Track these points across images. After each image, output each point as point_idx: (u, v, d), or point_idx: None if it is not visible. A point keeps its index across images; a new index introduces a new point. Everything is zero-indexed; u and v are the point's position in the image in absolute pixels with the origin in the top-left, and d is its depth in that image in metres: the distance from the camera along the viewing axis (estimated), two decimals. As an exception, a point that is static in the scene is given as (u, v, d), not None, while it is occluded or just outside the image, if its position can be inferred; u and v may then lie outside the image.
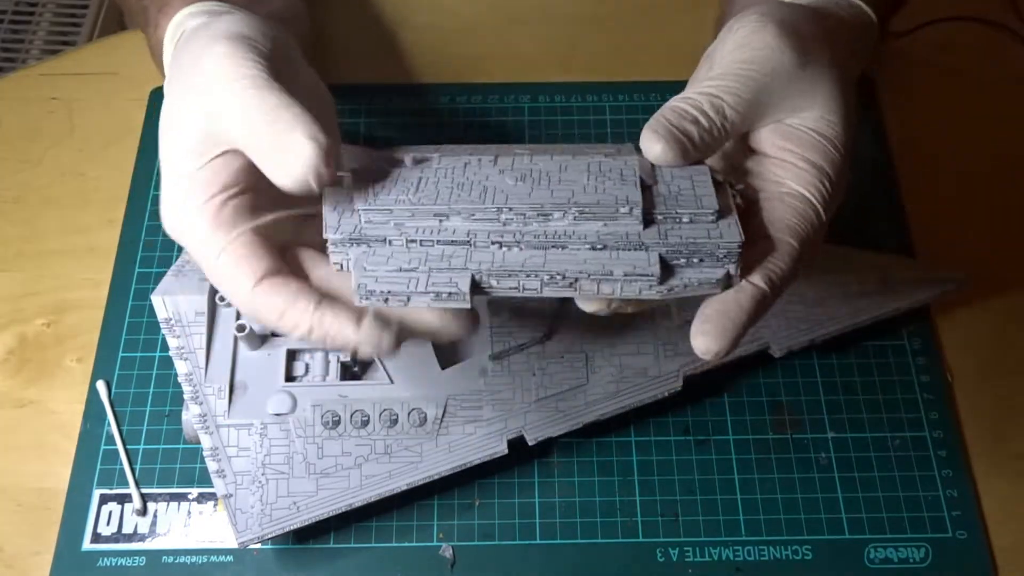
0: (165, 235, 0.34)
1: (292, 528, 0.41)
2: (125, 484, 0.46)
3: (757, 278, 0.32)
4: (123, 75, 0.59)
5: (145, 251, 0.52)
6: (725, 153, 0.37)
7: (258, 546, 0.44)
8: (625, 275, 0.30)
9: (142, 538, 0.45)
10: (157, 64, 0.41)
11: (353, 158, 0.34)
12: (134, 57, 0.58)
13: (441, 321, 0.32)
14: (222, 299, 0.43)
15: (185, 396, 0.42)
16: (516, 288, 0.31)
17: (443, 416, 0.42)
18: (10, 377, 0.49)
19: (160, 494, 0.46)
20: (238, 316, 0.43)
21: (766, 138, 0.35)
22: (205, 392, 0.42)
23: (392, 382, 0.43)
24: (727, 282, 0.31)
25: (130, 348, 0.49)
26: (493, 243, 0.31)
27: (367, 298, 0.30)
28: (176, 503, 0.45)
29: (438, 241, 0.31)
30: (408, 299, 0.30)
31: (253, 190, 0.34)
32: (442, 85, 0.58)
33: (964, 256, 0.51)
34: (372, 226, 0.31)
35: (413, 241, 0.31)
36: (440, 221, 0.31)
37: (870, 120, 0.57)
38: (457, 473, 0.42)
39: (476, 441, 0.42)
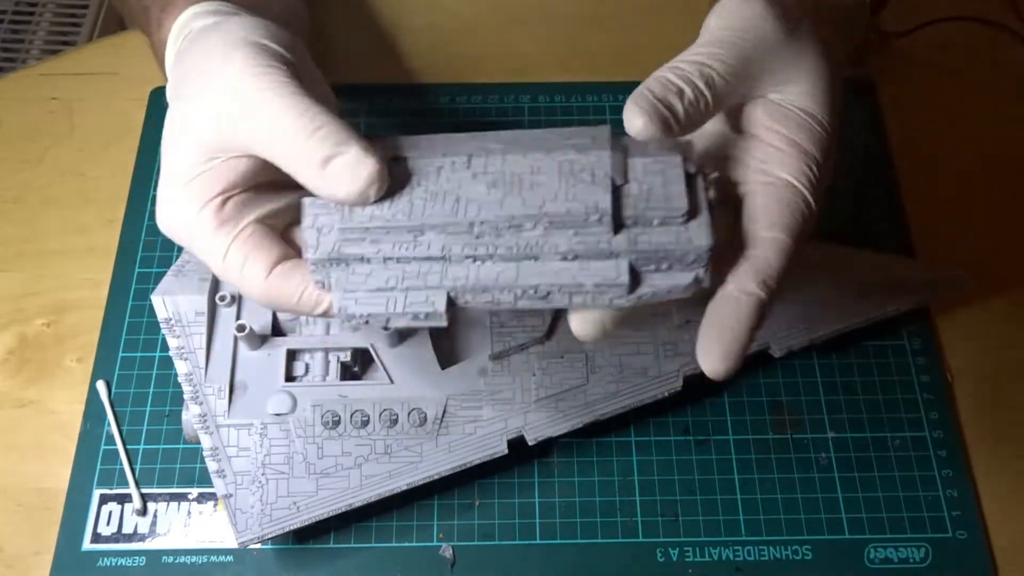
0: (165, 235, 0.34)
1: (292, 528, 0.41)
2: (125, 484, 0.46)
3: (752, 284, 0.32)
4: (123, 75, 0.59)
5: (145, 251, 0.52)
6: (706, 134, 0.36)
7: (258, 546, 0.44)
8: (595, 286, 0.31)
9: (142, 538, 0.45)
10: (159, 64, 0.41)
11: None
12: (134, 57, 0.58)
13: None
14: (222, 299, 0.44)
15: (185, 396, 0.42)
16: (491, 302, 0.31)
17: (443, 416, 0.42)
18: (10, 377, 0.49)
19: (160, 494, 0.46)
20: (238, 316, 0.43)
21: (749, 116, 0.35)
22: (205, 392, 0.42)
23: (392, 382, 0.43)
24: (697, 286, 0.31)
25: (130, 348, 0.49)
26: (467, 257, 0.31)
27: (348, 320, 0.31)
28: (176, 503, 0.45)
29: (414, 257, 0.32)
30: (388, 320, 0.31)
31: (252, 188, 0.34)
32: (442, 85, 0.58)
33: (964, 256, 0.51)
34: (349, 244, 0.32)
35: (390, 258, 0.32)
36: (415, 236, 0.32)
37: (870, 120, 0.57)
38: (457, 473, 0.42)
39: (476, 441, 0.42)
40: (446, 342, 0.44)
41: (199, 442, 0.41)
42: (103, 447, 0.47)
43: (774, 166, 0.33)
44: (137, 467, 0.46)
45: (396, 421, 0.42)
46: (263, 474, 0.41)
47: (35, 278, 0.52)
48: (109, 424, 0.47)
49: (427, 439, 0.42)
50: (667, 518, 0.45)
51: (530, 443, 0.42)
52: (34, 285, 0.52)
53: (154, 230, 0.53)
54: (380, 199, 0.32)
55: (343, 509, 0.41)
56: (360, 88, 0.58)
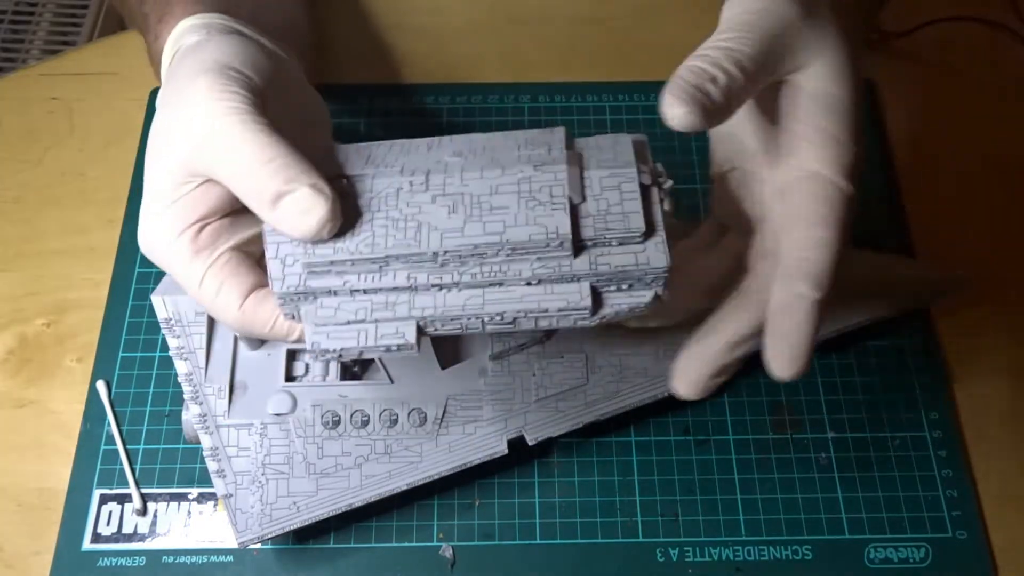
0: (145, 256, 0.35)
1: (292, 528, 0.41)
2: (125, 484, 0.46)
3: (804, 287, 0.32)
4: (123, 75, 0.59)
5: (145, 251, 0.52)
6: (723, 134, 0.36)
7: (258, 546, 0.44)
8: (559, 311, 0.32)
9: (142, 538, 0.45)
10: (155, 72, 0.41)
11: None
12: (134, 57, 0.58)
13: None
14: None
15: (185, 396, 0.42)
16: (460, 328, 0.32)
17: (443, 416, 0.42)
18: (10, 377, 0.49)
19: (160, 494, 0.46)
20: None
21: (773, 103, 0.34)
22: (205, 392, 0.42)
23: (392, 382, 0.43)
24: (657, 302, 0.32)
25: (130, 348, 0.49)
26: (433, 286, 0.32)
27: (322, 356, 0.32)
28: (176, 503, 0.45)
29: (381, 288, 0.32)
30: (360, 353, 0.32)
31: (230, 214, 0.34)
32: (442, 85, 0.58)
33: (964, 256, 0.51)
34: (315, 277, 0.32)
35: (357, 290, 0.32)
36: (380, 267, 0.32)
37: (870, 120, 0.57)
38: (457, 473, 0.42)
39: (476, 441, 0.42)
40: (446, 342, 0.44)
41: (199, 442, 0.41)
42: (103, 447, 0.47)
43: (806, 159, 0.33)
44: (137, 467, 0.46)
45: (396, 421, 0.42)
46: (263, 474, 0.41)
47: (35, 278, 0.52)
48: (109, 424, 0.47)
49: (427, 439, 0.42)
50: (667, 518, 0.45)
51: (530, 443, 0.42)
52: (34, 285, 0.52)
53: (154, 230, 0.53)
54: (342, 229, 0.32)
55: (343, 509, 0.41)
56: (360, 88, 0.58)
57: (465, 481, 0.45)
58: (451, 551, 0.44)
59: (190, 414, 0.42)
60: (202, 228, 0.33)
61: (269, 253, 0.33)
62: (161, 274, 0.45)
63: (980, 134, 0.57)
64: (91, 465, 0.46)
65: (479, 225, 0.32)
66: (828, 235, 0.32)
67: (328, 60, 0.59)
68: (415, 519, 0.45)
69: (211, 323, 0.43)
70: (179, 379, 0.42)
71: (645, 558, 0.44)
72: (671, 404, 0.46)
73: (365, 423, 0.42)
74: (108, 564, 0.44)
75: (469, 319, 0.32)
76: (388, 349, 0.32)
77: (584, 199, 0.32)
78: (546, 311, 0.32)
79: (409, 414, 0.42)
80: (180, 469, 0.46)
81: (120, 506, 0.45)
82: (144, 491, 0.46)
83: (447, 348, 0.44)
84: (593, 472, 0.46)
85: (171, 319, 0.42)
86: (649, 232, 0.32)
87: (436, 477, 0.42)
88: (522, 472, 0.46)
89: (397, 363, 0.43)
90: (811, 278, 0.32)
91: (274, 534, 0.40)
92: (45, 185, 0.55)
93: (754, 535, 0.45)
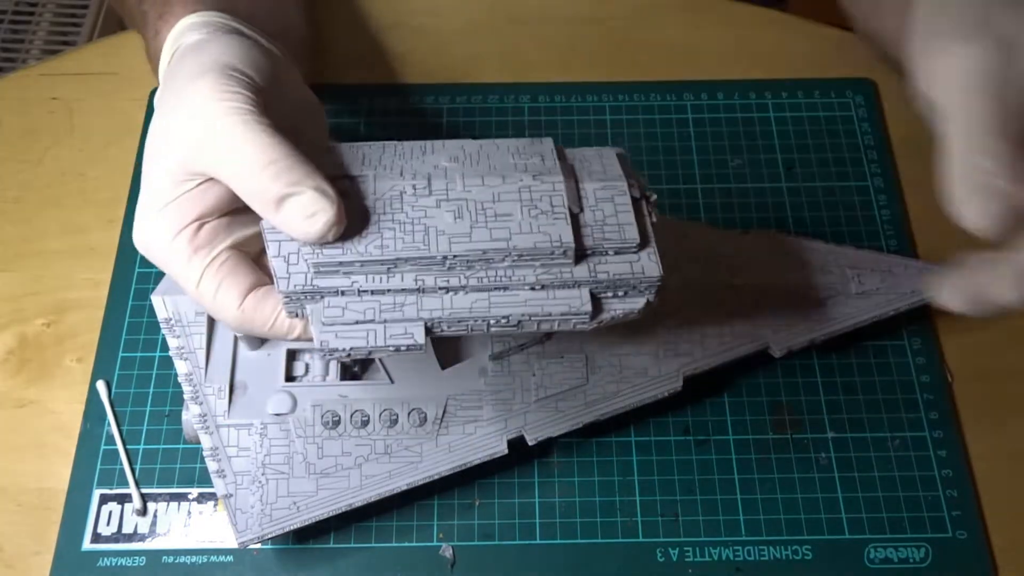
0: (141, 254, 0.35)
1: (292, 528, 0.41)
2: (125, 484, 0.46)
3: None
4: (123, 75, 0.59)
5: (145, 251, 0.52)
6: None
7: (258, 546, 0.44)
8: (561, 315, 0.33)
9: (142, 538, 0.45)
10: (153, 70, 0.41)
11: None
12: (134, 57, 0.58)
13: None
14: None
15: (185, 396, 0.42)
16: (466, 330, 0.33)
17: (443, 416, 0.42)
18: (10, 377, 0.49)
19: (160, 494, 0.46)
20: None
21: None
22: (205, 392, 0.42)
23: (392, 382, 0.43)
24: (648, 307, 0.34)
25: (130, 348, 0.49)
26: (440, 288, 0.33)
27: (330, 355, 0.32)
28: (176, 503, 0.45)
29: (389, 289, 0.32)
30: (369, 352, 0.32)
31: (228, 213, 0.34)
32: (442, 85, 0.58)
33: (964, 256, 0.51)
34: (323, 277, 0.32)
35: (364, 291, 0.32)
36: (388, 269, 0.33)
37: (870, 119, 0.57)
38: (457, 473, 0.42)
39: (476, 441, 0.42)
40: (446, 342, 0.44)
41: (199, 442, 0.41)
42: (103, 447, 0.47)
43: None
44: (137, 467, 0.46)
45: (396, 421, 0.42)
46: (263, 474, 0.41)
47: (35, 278, 0.52)
48: (109, 424, 0.47)
49: (427, 439, 0.42)
50: (667, 518, 0.45)
51: (530, 443, 0.42)
52: (34, 285, 0.52)
53: (154, 230, 0.53)
54: (348, 230, 0.32)
55: (343, 509, 0.41)
56: (359, 89, 0.58)
57: (465, 481, 0.45)
58: (451, 551, 0.44)
59: (190, 414, 0.42)
60: (200, 227, 0.33)
61: (271, 252, 0.33)
62: (161, 274, 0.45)
63: (980, 134, 0.57)
64: (91, 465, 0.46)
65: (485, 231, 0.33)
66: None
67: (328, 60, 0.59)
68: (415, 519, 0.45)
69: (211, 323, 0.43)
70: (179, 379, 0.42)
71: (645, 558, 0.44)
72: (671, 404, 0.46)
73: (365, 423, 0.42)
74: (108, 564, 0.44)
75: (475, 321, 0.33)
76: (397, 349, 0.32)
77: (582, 209, 0.34)
78: (549, 315, 0.33)
79: (409, 414, 0.42)
80: (180, 469, 0.46)
81: (120, 506, 0.45)
82: (144, 491, 0.46)
83: (447, 348, 0.44)
84: (593, 472, 0.46)
85: (171, 319, 0.42)
86: (643, 243, 0.34)
87: (436, 477, 0.42)
88: (522, 472, 0.46)
89: (397, 363, 0.43)
90: None
91: (274, 534, 0.40)
92: (45, 185, 0.55)
93: (754, 535, 0.45)
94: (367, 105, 0.58)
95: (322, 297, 0.32)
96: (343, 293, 0.32)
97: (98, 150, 0.56)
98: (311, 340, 0.33)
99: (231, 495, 0.41)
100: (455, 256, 0.32)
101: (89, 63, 0.60)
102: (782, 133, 0.56)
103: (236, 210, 0.34)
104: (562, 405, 0.43)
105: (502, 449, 0.42)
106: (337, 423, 0.42)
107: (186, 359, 0.42)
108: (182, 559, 0.44)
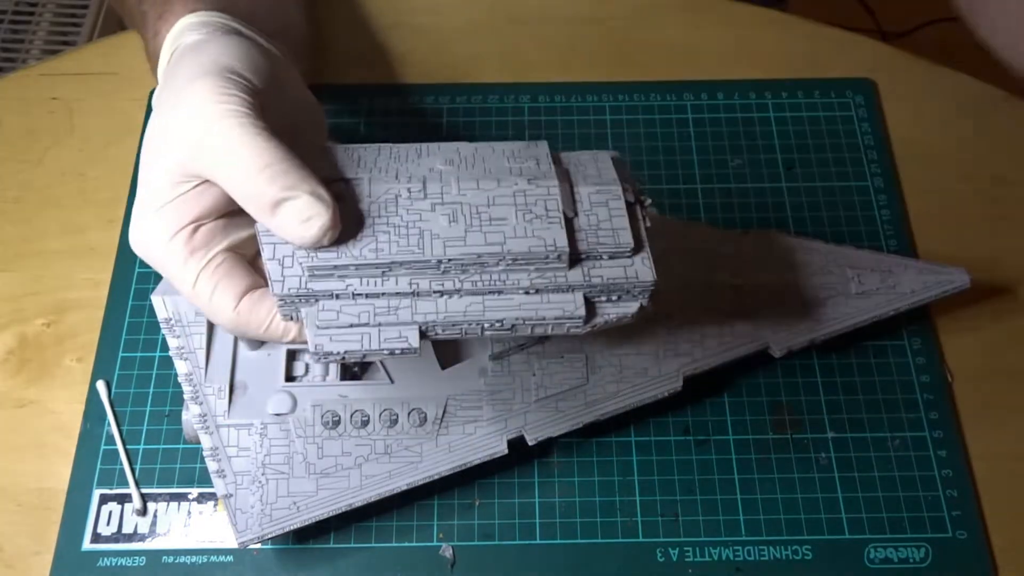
0: (137, 255, 0.35)
1: (292, 528, 0.41)
2: (125, 484, 0.46)
3: None
4: (123, 75, 0.59)
5: (145, 251, 0.52)
6: None
7: (258, 546, 0.44)
8: (556, 319, 0.33)
9: (142, 538, 0.45)
10: (153, 70, 0.41)
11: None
12: (134, 57, 0.58)
13: None
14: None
15: (185, 396, 0.42)
16: (460, 333, 0.33)
17: (443, 416, 0.42)
18: (10, 377, 0.49)
19: (160, 494, 0.46)
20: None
21: None
22: (205, 392, 0.42)
23: (392, 382, 0.43)
24: (642, 312, 0.34)
25: (130, 348, 0.49)
26: (435, 292, 0.33)
27: (325, 359, 0.32)
28: (176, 503, 0.45)
29: (383, 293, 0.32)
30: (363, 356, 0.32)
31: (225, 215, 0.34)
32: (442, 85, 0.58)
33: (964, 256, 0.51)
34: (317, 280, 0.32)
35: (359, 294, 0.32)
36: (383, 272, 0.32)
37: (870, 119, 0.57)
38: (457, 473, 0.42)
39: (476, 441, 0.42)
40: (446, 342, 0.44)
41: (199, 442, 0.41)
42: (103, 447, 0.47)
43: None
44: (137, 467, 0.46)
45: (396, 421, 0.42)
46: (263, 474, 0.41)
47: (35, 278, 0.52)
48: (109, 424, 0.47)
49: (427, 439, 0.42)
50: (667, 518, 0.45)
51: (530, 443, 0.42)
52: (34, 285, 0.52)
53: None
54: (343, 234, 0.32)
55: (343, 509, 0.41)
56: (359, 89, 0.58)
57: (465, 481, 0.45)
58: (451, 551, 0.44)
59: (190, 414, 0.42)
60: (197, 229, 0.33)
61: (266, 254, 0.33)
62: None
63: (980, 134, 0.57)
64: (91, 465, 0.46)
65: (480, 235, 0.33)
66: None
67: (328, 60, 0.59)
68: (415, 519, 0.45)
69: (211, 323, 0.43)
70: (179, 379, 0.42)
71: (645, 558, 0.44)
72: (671, 404, 0.46)
73: (365, 423, 0.42)
74: (108, 564, 0.44)
75: (470, 325, 0.33)
76: (392, 352, 0.32)
77: (576, 214, 0.34)
78: (543, 319, 0.33)
79: (409, 414, 0.42)
80: (180, 469, 0.46)
81: (120, 506, 0.45)
82: (144, 491, 0.46)
83: (447, 348, 0.44)
84: (593, 472, 0.46)
85: (171, 319, 0.42)
86: (637, 247, 0.34)
87: (436, 477, 0.42)
88: (522, 472, 0.46)
89: (397, 363, 0.43)
90: None
91: (274, 534, 0.40)
92: (45, 185, 0.55)
93: (754, 535, 0.45)
94: (367, 105, 0.58)
95: (317, 300, 0.32)
96: (338, 296, 0.32)
97: (98, 150, 0.56)
98: (306, 343, 0.33)
99: (231, 495, 0.41)
100: (449, 260, 0.32)
101: (89, 63, 0.60)
102: (782, 133, 0.57)
103: (232, 212, 0.34)
104: (562, 405, 0.43)
105: (502, 449, 0.42)
106: (337, 423, 0.42)
107: (186, 359, 0.42)
108: (182, 559, 0.44)
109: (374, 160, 0.35)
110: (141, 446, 0.47)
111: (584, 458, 0.47)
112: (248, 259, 0.35)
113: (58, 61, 0.60)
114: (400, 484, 0.41)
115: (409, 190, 0.34)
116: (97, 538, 0.45)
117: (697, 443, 0.47)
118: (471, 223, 0.33)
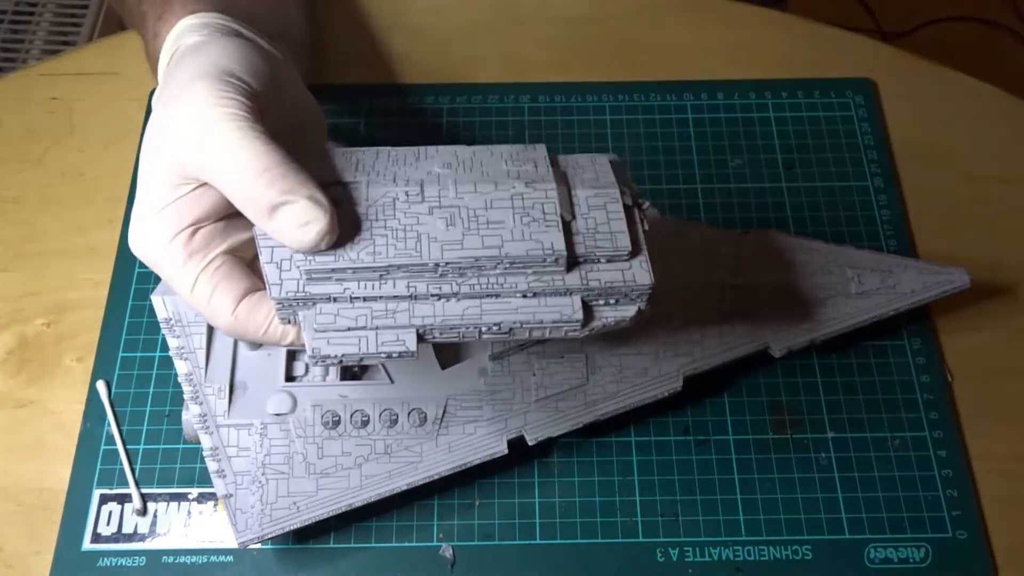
0: (136, 256, 0.35)
1: (292, 528, 0.41)
2: (125, 484, 0.46)
3: None
4: (123, 75, 0.59)
5: (145, 251, 0.52)
6: None
7: (258, 546, 0.44)
8: (553, 322, 0.33)
9: (142, 538, 0.45)
10: (153, 71, 0.41)
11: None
12: (134, 57, 0.58)
13: None
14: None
15: (185, 396, 0.42)
16: (458, 336, 0.33)
17: (443, 416, 0.42)
18: (10, 377, 0.49)
19: (160, 494, 0.46)
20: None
21: None
22: (205, 392, 0.42)
23: (392, 382, 0.43)
24: (639, 315, 0.34)
25: (130, 348, 0.49)
26: (432, 295, 0.33)
27: (322, 362, 0.32)
28: (176, 503, 0.45)
29: (381, 296, 0.32)
30: (361, 359, 0.32)
31: (223, 218, 0.34)
32: (442, 85, 0.58)
33: (964, 256, 0.51)
34: (315, 283, 0.32)
35: (357, 297, 0.32)
36: (380, 276, 0.32)
37: (870, 119, 0.57)
38: (457, 473, 0.42)
39: (476, 441, 0.42)
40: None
41: (199, 442, 0.41)
42: (103, 447, 0.47)
43: None
44: (137, 467, 0.46)
45: (396, 421, 0.42)
46: (263, 474, 0.41)
47: (35, 278, 0.52)
48: (109, 424, 0.47)
49: (427, 439, 0.42)
50: (667, 518, 0.45)
51: (530, 443, 0.42)
52: (34, 285, 0.52)
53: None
54: (340, 237, 0.32)
55: (343, 509, 0.41)
56: (359, 89, 0.58)
57: (465, 481, 0.45)
58: (451, 551, 0.44)
59: (190, 414, 0.42)
60: (196, 231, 0.33)
61: (264, 258, 0.33)
62: (161, 274, 0.45)
63: (980, 134, 0.57)
64: (91, 465, 0.46)
65: (477, 239, 0.33)
66: None
67: (328, 60, 0.60)
68: (415, 519, 0.45)
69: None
70: (179, 379, 0.42)
71: (645, 558, 0.44)
72: (671, 404, 0.46)
73: (365, 423, 0.42)
74: (108, 564, 0.44)
75: (467, 328, 0.33)
76: (389, 356, 0.32)
77: (574, 217, 0.34)
78: (540, 322, 0.33)
79: (409, 414, 0.42)
80: (180, 469, 0.46)
81: (120, 506, 0.45)
82: (144, 491, 0.46)
83: (447, 348, 0.44)
84: (593, 472, 0.46)
85: (171, 319, 0.42)
86: (635, 251, 0.34)
87: (436, 477, 0.42)
88: (522, 472, 0.46)
89: (397, 364, 0.43)
90: None
91: (274, 534, 0.40)
92: (45, 185, 0.55)
93: (754, 535, 0.45)
94: (367, 105, 0.58)
95: (314, 304, 0.32)
96: (335, 300, 0.32)
97: (98, 150, 0.56)
98: (304, 346, 0.33)
99: (231, 495, 0.41)
100: (447, 263, 0.32)
101: (89, 63, 0.60)
102: (782, 133, 0.57)
103: (232, 215, 0.34)
104: (562, 405, 0.43)
105: (502, 449, 0.42)
106: (337, 423, 0.42)
107: (186, 359, 0.42)
108: (182, 559, 0.44)
109: (372, 163, 0.35)
110: (141, 446, 0.47)
111: (584, 458, 0.47)
112: (247, 262, 0.35)
113: (58, 61, 0.61)
114: (400, 484, 0.41)
115: (407, 193, 0.34)
116: (97, 538, 0.45)
117: (697, 443, 0.47)
118: (469, 226, 0.33)
